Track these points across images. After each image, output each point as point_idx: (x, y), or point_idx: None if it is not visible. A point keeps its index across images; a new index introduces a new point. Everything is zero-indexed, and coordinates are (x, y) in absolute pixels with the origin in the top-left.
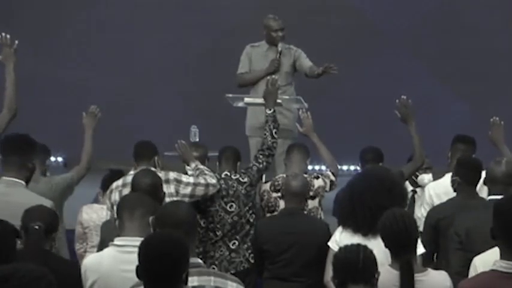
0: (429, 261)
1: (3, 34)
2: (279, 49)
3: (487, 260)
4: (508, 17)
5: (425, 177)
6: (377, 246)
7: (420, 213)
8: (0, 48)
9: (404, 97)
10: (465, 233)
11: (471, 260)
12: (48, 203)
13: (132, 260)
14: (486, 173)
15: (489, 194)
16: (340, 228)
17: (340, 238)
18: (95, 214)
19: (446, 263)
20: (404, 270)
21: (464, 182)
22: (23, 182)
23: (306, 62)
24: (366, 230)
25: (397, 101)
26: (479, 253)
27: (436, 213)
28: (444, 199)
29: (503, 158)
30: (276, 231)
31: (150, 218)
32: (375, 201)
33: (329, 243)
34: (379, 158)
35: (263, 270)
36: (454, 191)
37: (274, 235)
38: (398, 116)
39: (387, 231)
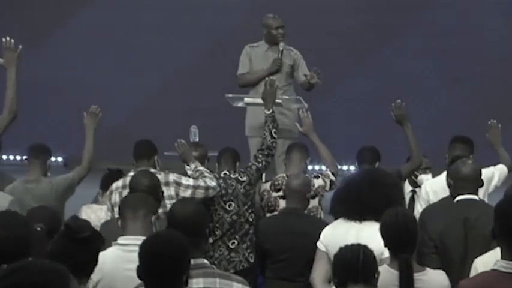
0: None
1: (7, 38)
2: (280, 48)
3: (487, 261)
4: (508, 16)
5: (424, 178)
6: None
7: (416, 211)
8: (2, 51)
9: (399, 101)
10: (439, 237)
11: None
12: (7, 198)
13: (135, 259)
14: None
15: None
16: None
17: (324, 234)
18: (93, 215)
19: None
20: (404, 270)
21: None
22: None
23: (301, 76)
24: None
25: (392, 104)
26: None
27: (428, 213)
28: (441, 195)
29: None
30: (277, 231)
31: (153, 218)
32: (352, 198)
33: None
34: (375, 158)
35: (265, 269)
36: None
37: (275, 235)
38: (393, 118)
39: (388, 230)
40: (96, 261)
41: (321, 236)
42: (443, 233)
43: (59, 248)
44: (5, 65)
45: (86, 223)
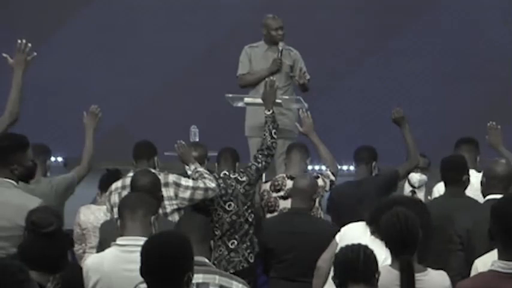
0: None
1: (23, 41)
2: (280, 48)
3: (488, 262)
4: (509, 16)
5: (414, 176)
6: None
7: None
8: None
9: (398, 108)
10: (466, 235)
11: (471, 261)
12: (36, 201)
13: (134, 259)
14: (484, 173)
15: (487, 194)
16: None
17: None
18: (92, 215)
19: (434, 262)
20: (405, 270)
21: (445, 181)
22: (11, 181)
23: (295, 79)
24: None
25: (391, 113)
26: (480, 253)
27: (453, 209)
28: None
29: (502, 158)
30: (281, 231)
31: (152, 218)
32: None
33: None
34: (372, 157)
35: (269, 269)
36: None
37: (279, 234)
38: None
39: (389, 231)
40: (65, 259)
41: (342, 229)
42: (471, 231)
43: (28, 244)
44: (14, 66)
45: (51, 219)
